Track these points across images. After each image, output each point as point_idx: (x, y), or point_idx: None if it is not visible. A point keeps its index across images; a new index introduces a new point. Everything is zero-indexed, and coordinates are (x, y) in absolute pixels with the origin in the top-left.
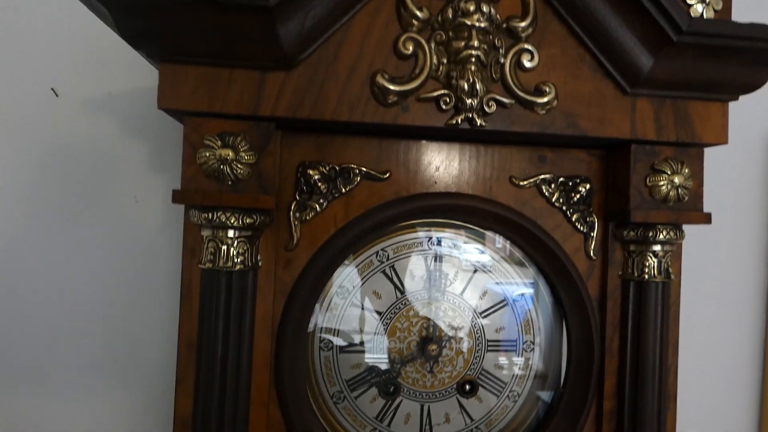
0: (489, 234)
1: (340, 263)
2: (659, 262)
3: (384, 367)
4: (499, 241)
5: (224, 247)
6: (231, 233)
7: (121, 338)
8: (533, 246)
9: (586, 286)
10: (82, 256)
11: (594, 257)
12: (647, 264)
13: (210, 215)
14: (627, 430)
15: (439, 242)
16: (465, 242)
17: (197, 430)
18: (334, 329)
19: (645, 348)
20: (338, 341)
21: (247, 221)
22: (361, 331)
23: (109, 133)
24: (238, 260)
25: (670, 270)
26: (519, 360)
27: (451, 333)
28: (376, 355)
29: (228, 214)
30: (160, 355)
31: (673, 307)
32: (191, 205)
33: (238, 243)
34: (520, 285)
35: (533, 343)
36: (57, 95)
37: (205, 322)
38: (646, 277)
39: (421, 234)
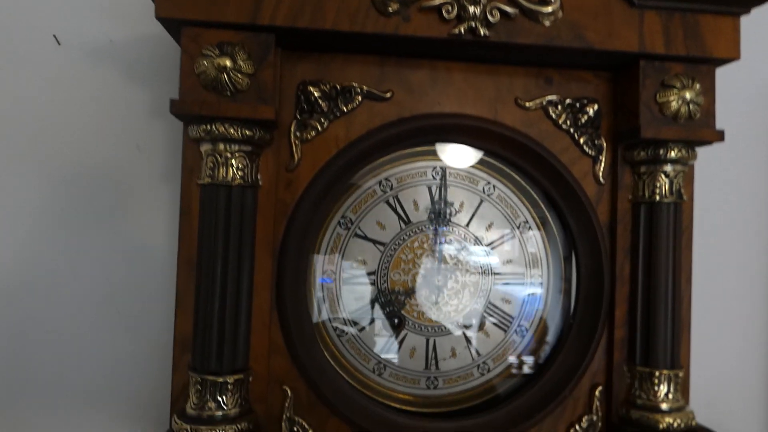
0: (495, 163)
1: (343, 185)
2: (671, 183)
3: (388, 299)
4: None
5: (223, 162)
6: (230, 147)
7: (121, 295)
8: (540, 170)
9: (596, 211)
10: (82, 204)
11: (603, 181)
12: (658, 185)
13: (209, 127)
14: (639, 359)
15: (443, 172)
16: (470, 171)
17: (197, 352)
18: (337, 260)
19: (657, 274)
20: (341, 272)
21: (247, 134)
22: (365, 263)
23: (111, 81)
24: (238, 175)
25: (682, 191)
26: (527, 293)
27: (456, 265)
28: (380, 287)
29: (227, 125)
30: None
31: (685, 233)
32: (189, 117)
33: (237, 157)
34: (527, 216)
35: (542, 276)
36: (59, 43)
37: (204, 239)
38: (657, 198)
39: (426, 164)
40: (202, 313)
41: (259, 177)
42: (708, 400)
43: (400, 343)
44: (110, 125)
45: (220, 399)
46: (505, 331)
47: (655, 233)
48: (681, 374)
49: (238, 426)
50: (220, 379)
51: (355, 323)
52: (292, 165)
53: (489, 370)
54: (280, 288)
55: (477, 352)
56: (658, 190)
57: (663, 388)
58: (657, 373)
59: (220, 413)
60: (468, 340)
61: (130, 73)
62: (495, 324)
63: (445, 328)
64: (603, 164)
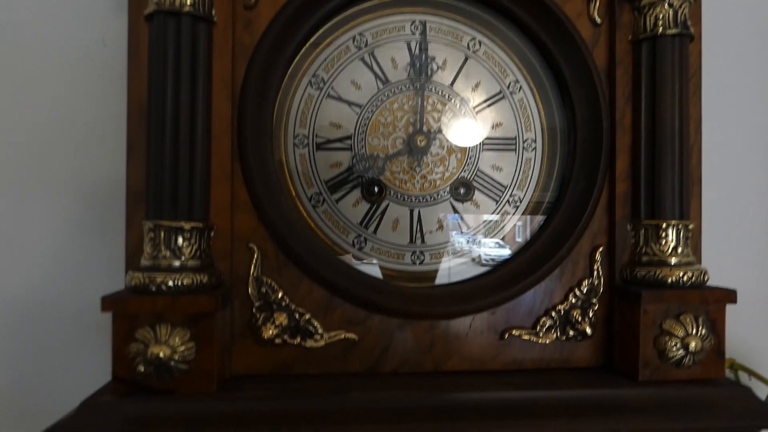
0: (480, 13)
1: (308, 26)
2: (675, 13)
3: (367, 165)
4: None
5: None
6: None
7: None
8: (528, 10)
9: (592, 54)
10: (48, 97)
11: (599, 21)
12: (661, 16)
13: None
14: (644, 213)
15: (424, 26)
16: (453, 26)
17: (150, 199)
18: (309, 123)
19: (662, 120)
20: (314, 137)
21: None
22: (340, 126)
23: None
24: (188, 2)
25: (688, 23)
26: (519, 160)
27: (441, 128)
28: (358, 153)
29: None
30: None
31: (693, 78)
32: None
33: None
34: (518, 74)
35: (535, 141)
36: None
37: (153, 78)
38: (660, 29)
39: (404, 17)
40: (153, 157)
41: (213, 12)
42: (721, 265)
43: (382, 214)
44: (75, 21)
45: (175, 247)
46: (496, 201)
47: (659, 73)
48: (691, 227)
49: (197, 278)
50: (175, 224)
51: (331, 191)
52: (251, 2)
53: (480, 244)
54: (241, 136)
55: (466, 224)
56: (660, 22)
57: (671, 241)
58: (664, 225)
59: (176, 262)
60: (456, 210)
61: None
62: (485, 194)
63: (430, 197)
64: (598, 2)
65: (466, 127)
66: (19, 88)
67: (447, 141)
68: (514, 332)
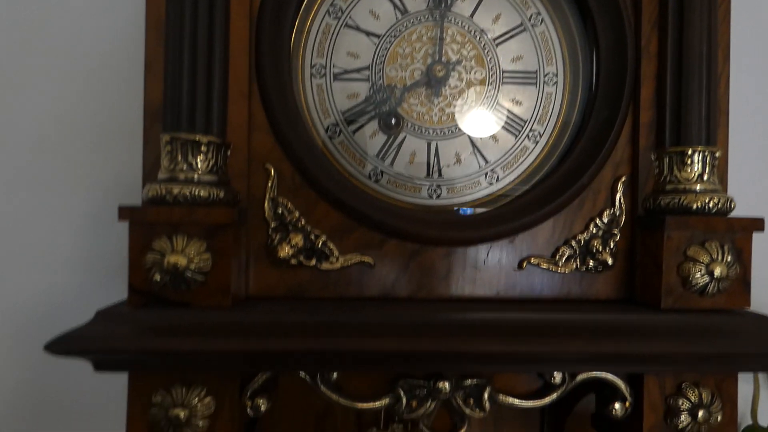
0: None
1: None
2: None
3: (384, 96)
4: None
5: None
6: None
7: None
8: None
9: None
10: (62, 51)
11: None
12: None
13: None
14: (669, 141)
15: None
16: None
17: (167, 113)
18: (327, 53)
19: (690, 48)
20: (331, 67)
21: None
22: (357, 57)
23: None
24: None
25: None
26: (540, 94)
27: (460, 60)
28: (375, 83)
29: None
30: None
31: (723, 5)
32: None
33: None
34: (539, 6)
35: (556, 76)
36: None
37: None
38: None
39: None
40: (171, 71)
41: None
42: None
43: (399, 146)
44: None
45: (192, 160)
46: (515, 135)
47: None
48: (718, 154)
49: (214, 192)
50: (192, 137)
51: (348, 122)
52: None
53: (498, 179)
54: (259, 55)
55: (484, 159)
56: None
57: (696, 168)
58: (689, 151)
59: (193, 175)
60: (474, 145)
61: None
62: (504, 128)
63: (449, 131)
64: None
65: (486, 59)
66: (33, 55)
67: (466, 74)
68: (532, 260)
